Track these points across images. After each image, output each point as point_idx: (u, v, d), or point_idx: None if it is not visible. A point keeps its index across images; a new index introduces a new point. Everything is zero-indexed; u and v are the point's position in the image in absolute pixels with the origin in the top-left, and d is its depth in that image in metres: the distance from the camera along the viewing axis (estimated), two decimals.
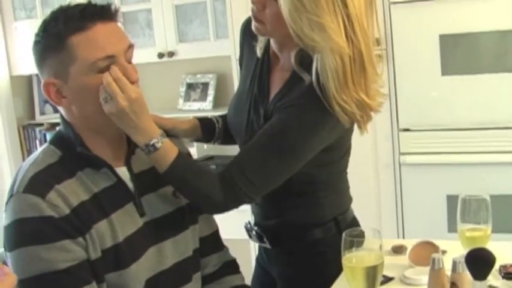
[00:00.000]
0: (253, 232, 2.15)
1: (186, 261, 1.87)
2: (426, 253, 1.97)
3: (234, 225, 2.13)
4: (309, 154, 1.90)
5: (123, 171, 1.78)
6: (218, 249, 2.04)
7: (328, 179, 2.06)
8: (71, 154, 1.72)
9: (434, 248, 2.02)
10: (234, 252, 2.09)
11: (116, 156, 1.78)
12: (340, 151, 2.04)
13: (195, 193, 1.85)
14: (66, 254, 1.61)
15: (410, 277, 1.93)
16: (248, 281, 2.22)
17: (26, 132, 4.69)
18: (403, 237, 3.50)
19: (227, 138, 2.20)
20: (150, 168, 1.83)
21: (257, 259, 2.29)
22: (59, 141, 1.76)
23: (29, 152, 4.64)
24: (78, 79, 1.66)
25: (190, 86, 4.37)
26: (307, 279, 2.09)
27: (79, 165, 1.71)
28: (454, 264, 1.74)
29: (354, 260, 1.49)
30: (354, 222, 2.14)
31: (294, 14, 1.78)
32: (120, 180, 1.75)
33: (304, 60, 1.87)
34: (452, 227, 3.33)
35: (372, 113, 1.92)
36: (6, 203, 1.66)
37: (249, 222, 2.19)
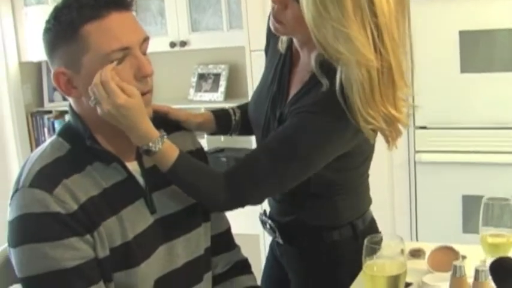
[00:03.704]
0: (267, 225, 2.09)
1: (198, 261, 1.81)
2: (446, 258, 1.92)
3: (245, 220, 2.07)
4: (321, 162, 1.82)
5: (133, 166, 1.72)
6: (230, 248, 1.99)
7: (347, 183, 1.99)
8: (79, 147, 1.65)
9: (454, 253, 1.95)
10: (243, 246, 2.03)
11: (126, 150, 1.71)
12: (360, 156, 1.96)
13: (198, 193, 1.79)
14: (73, 252, 1.54)
15: (429, 283, 1.87)
16: (258, 276, 2.16)
17: (34, 120, 4.63)
18: (417, 237, 3.44)
19: (245, 129, 2.13)
20: None
21: (271, 248, 2.23)
22: (67, 133, 1.69)
23: (37, 140, 4.59)
24: (90, 70, 1.59)
25: (201, 77, 4.31)
26: (319, 278, 2.03)
27: (88, 159, 1.64)
28: (477, 272, 1.67)
29: (375, 268, 1.41)
30: (372, 226, 2.08)
31: (318, 21, 1.67)
32: (130, 175, 1.69)
33: (325, 63, 1.77)
34: (467, 228, 3.29)
35: (401, 127, 1.82)
36: (12, 197, 1.60)
37: (264, 213, 2.13)
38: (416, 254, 2.07)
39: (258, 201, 1.87)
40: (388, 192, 3.41)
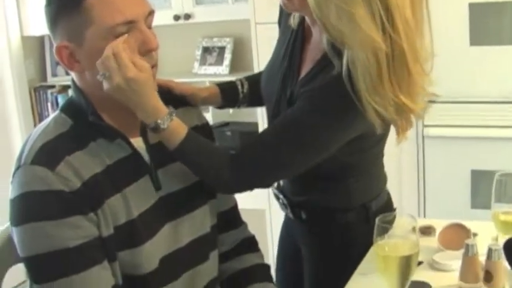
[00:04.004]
0: (280, 200, 2.06)
1: (204, 239, 1.77)
2: (457, 236, 1.89)
3: (251, 195, 2.02)
4: (329, 148, 1.76)
5: (138, 142, 1.67)
6: (237, 225, 1.95)
7: (360, 165, 1.94)
8: (82, 123, 1.61)
9: (465, 231, 1.91)
10: (249, 222, 2.00)
11: (130, 126, 1.67)
12: (374, 138, 1.86)
13: (205, 173, 1.74)
14: (77, 230, 1.50)
15: (440, 262, 1.83)
16: (265, 251, 2.13)
17: (38, 95, 4.58)
18: (424, 212, 3.41)
19: (254, 101, 2.10)
20: None
21: (285, 223, 2.20)
22: (70, 109, 1.65)
23: (40, 115, 4.55)
24: (93, 43, 1.54)
25: (206, 50, 4.26)
26: (331, 258, 2.01)
27: (91, 135, 1.60)
28: (490, 251, 1.65)
29: (386, 249, 1.37)
30: (387, 207, 2.03)
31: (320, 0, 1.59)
32: (135, 151, 1.65)
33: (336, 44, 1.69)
34: (475, 203, 3.25)
35: (414, 119, 1.74)
36: (13, 174, 1.56)
37: (277, 186, 2.09)
38: (426, 231, 2.04)
39: (265, 184, 1.84)
40: (396, 167, 3.36)
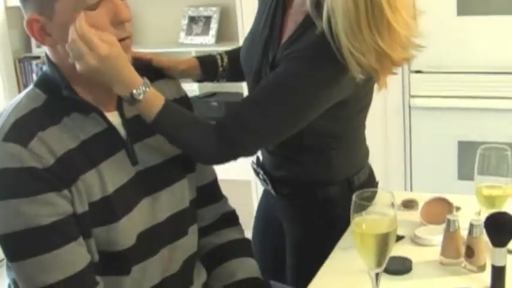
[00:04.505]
0: (260, 176, 2.04)
1: (182, 213, 1.74)
2: (439, 210, 1.87)
3: (236, 167, 2.01)
4: (314, 110, 1.74)
5: (114, 116, 1.64)
6: (216, 199, 1.92)
7: (342, 135, 1.92)
8: (56, 98, 1.57)
9: (448, 205, 1.90)
10: (235, 193, 1.98)
11: (106, 101, 1.63)
12: (356, 105, 1.87)
13: (186, 145, 1.72)
14: (50, 207, 1.47)
15: (422, 237, 1.82)
16: (251, 223, 2.13)
17: (22, 66, 4.54)
18: (411, 184, 3.39)
19: (234, 76, 2.06)
20: None
21: (265, 196, 2.18)
22: (44, 83, 1.61)
23: (25, 86, 4.48)
24: (63, 16, 1.50)
25: (192, 19, 4.22)
26: (315, 234, 2.00)
27: (65, 110, 1.56)
28: (471, 227, 1.63)
29: (363, 226, 1.35)
30: (369, 180, 2.02)
31: None
32: (110, 125, 1.61)
33: (320, 3, 1.68)
34: (462, 175, 3.24)
35: (394, 68, 1.72)
36: None
37: (257, 162, 2.07)
38: (409, 205, 2.02)
39: (250, 152, 1.80)
40: (382, 138, 3.35)
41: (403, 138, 3.36)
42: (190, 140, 1.71)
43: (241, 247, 1.90)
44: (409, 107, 3.32)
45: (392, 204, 1.38)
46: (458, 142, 3.25)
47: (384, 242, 1.34)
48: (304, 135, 1.80)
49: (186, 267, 1.77)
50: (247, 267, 1.85)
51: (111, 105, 1.64)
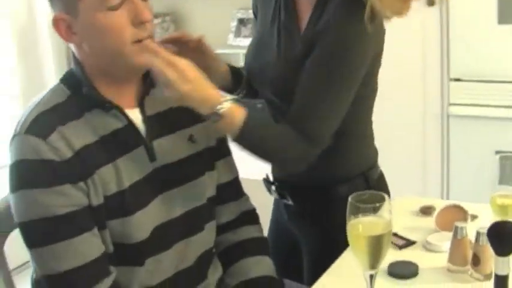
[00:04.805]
0: (273, 187, 2.06)
1: (198, 210, 1.79)
2: (454, 218, 1.87)
3: (255, 165, 2.03)
4: (362, 71, 1.80)
5: (135, 114, 1.70)
6: (237, 197, 1.95)
7: (356, 121, 1.95)
8: (79, 94, 1.64)
9: (463, 212, 1.90)
10: (254, 192, 2.00)
11: (128, 98, 1.69)
12: (366, 87, 1.89)
13: (276, 156, 1.80)
14: (66, 198, 1.54)
15: (432, 243, 1.83)
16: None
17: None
18: (448, 191, 3.37)
19: (251, 92, 2.09)
20: (167, 109, 1.75)
21: (274, 214, 2.19)
22: (69, 80, 1.68)
23: None
24: (87, 15, 1.56)
25: (241, 22, 4.27)
26: (332, 241, 1.98)
27: (87, 106, 1.62)
28: (478, 235, 1.64)
29: (359, 227, 1.37)
30: (382, 180, 2.04)
31: None
32: (130, 122, 1.67)
33: None
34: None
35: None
36: (10, 142, 1.60)
37: (267, 176, 2.10)
38: (427, 211, 2.03)
39: (329, 138, 1.82)
40: (420, 145, 3.33)
41: (440, 146, 3.35)
42: (277, 150, 1.79)
43: (258, 245, 1.92)
44: (447, 115, 3.30)
45: (389, 210, 1.40)
46: (496, 152, 3.22)
47: (377, 244, 1.36)
48: None
49: (200, 262, 1.80)
50: (263, 265, 1.87)
51: (131, 103, 1.70)
